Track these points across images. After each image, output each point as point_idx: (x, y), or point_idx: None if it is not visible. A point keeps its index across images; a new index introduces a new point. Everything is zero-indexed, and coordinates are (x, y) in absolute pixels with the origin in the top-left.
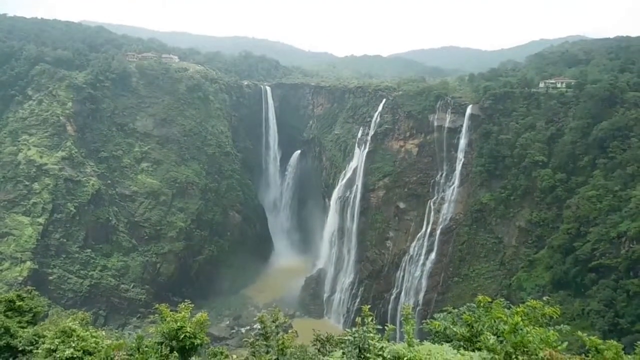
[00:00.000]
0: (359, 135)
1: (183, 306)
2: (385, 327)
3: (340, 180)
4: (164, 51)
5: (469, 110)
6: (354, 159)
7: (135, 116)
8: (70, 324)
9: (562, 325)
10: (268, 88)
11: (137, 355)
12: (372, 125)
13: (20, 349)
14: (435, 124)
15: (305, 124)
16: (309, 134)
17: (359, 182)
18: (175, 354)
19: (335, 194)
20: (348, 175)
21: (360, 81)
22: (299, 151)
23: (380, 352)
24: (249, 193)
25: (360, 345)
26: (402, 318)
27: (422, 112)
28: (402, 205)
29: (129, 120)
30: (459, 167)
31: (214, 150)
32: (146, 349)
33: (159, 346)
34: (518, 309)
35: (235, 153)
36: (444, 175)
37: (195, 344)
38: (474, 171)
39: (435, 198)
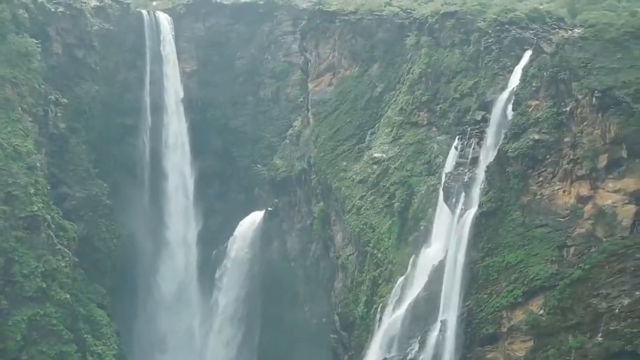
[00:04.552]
0: (449, 163)
1: None
2: None
3: (389, 307)
4: None
5: None
6: (432, 238)
7: None
8: None
9: None
10: (165, 17)
11: None
12: (492, 131)
13: None
14: None
15: (282, 127)
16: (293, 159)
17: (449, 313)
18: None
19: (376, 351)
20: (415, 290)
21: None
22: (260, 213)
23: None
24: None
25: None
26: None
27: None
28: None
29: None
30: None
31: None
32: None
33: None
34: None
35: (50, 234)
36: None
37: None
38: None
39: None
